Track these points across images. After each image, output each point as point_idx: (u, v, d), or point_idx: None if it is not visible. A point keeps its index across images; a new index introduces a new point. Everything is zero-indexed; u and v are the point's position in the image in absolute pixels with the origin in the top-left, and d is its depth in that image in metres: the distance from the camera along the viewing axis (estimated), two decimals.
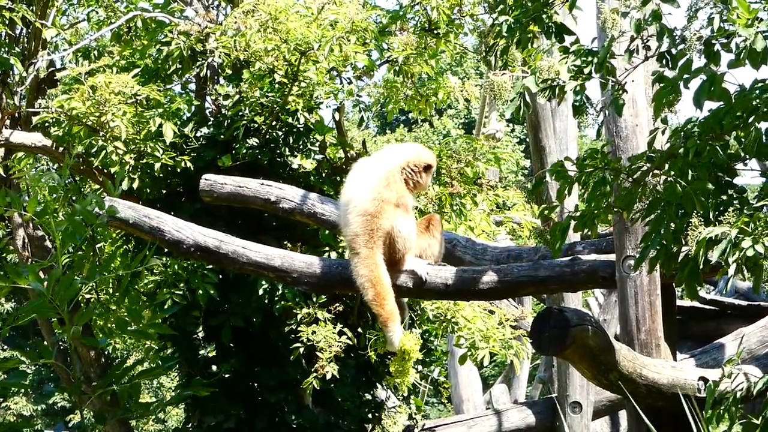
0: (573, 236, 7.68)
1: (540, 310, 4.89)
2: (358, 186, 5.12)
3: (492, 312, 7.63)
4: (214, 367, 7.61)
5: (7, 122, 8.13)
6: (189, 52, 7.70)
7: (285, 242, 7.57)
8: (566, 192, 4.42)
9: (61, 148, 7.90)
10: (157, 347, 7.99)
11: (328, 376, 7.02)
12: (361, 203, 5.02)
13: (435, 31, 7.74)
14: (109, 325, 8.32)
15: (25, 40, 8.34)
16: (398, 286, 5.10)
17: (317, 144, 7.95)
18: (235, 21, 7.36)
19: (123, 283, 4.53)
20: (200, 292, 7.31)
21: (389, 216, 4.99)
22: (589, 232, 4.51)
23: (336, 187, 7.73)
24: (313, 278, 5.16)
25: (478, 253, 6.07)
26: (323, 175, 7.95)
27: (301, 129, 7.85)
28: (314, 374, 7.05)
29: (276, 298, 7.52)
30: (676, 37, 4.11)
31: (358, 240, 4.97)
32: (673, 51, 4.15)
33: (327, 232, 7.27)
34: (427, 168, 5.26)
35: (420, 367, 8.44)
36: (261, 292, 7.50)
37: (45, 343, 7.32)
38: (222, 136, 7.80)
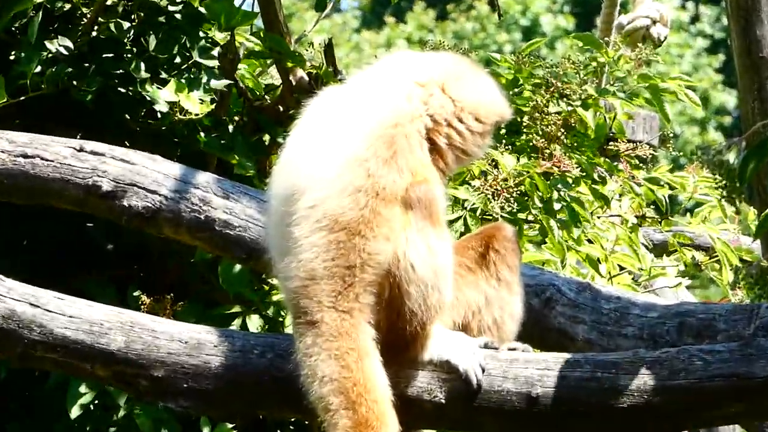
0: None
1: None
2: (317, 155, 5.19)
3: None
4: None
5: None
6: None
7: (136, 292, 7.62)
8: None
9: None
10: None
11: None
12: (323, 198, 5.09)
13: None
14: None
15: None
16: (412, 402, 5.18)
17: (217, 54, 8.01)
18: None
19: None
20: None
21: (390, 230, 5.07)
22: None
23: (261, 159, 7.84)
24: (203, 380, 5.25)
25: (608, 320, 6.13)
26: (230, 128, 8.04)
27: (180, 18, 7.93)
28: None
29: (114, 429, 7.56)
30: None
31: (315, 289, 5.04)
32: None
33: (238, 267, 7.36)
34: (495, 124, 5.57)
35: None
36: (75, 412, 7.54)
37: None
38: None
